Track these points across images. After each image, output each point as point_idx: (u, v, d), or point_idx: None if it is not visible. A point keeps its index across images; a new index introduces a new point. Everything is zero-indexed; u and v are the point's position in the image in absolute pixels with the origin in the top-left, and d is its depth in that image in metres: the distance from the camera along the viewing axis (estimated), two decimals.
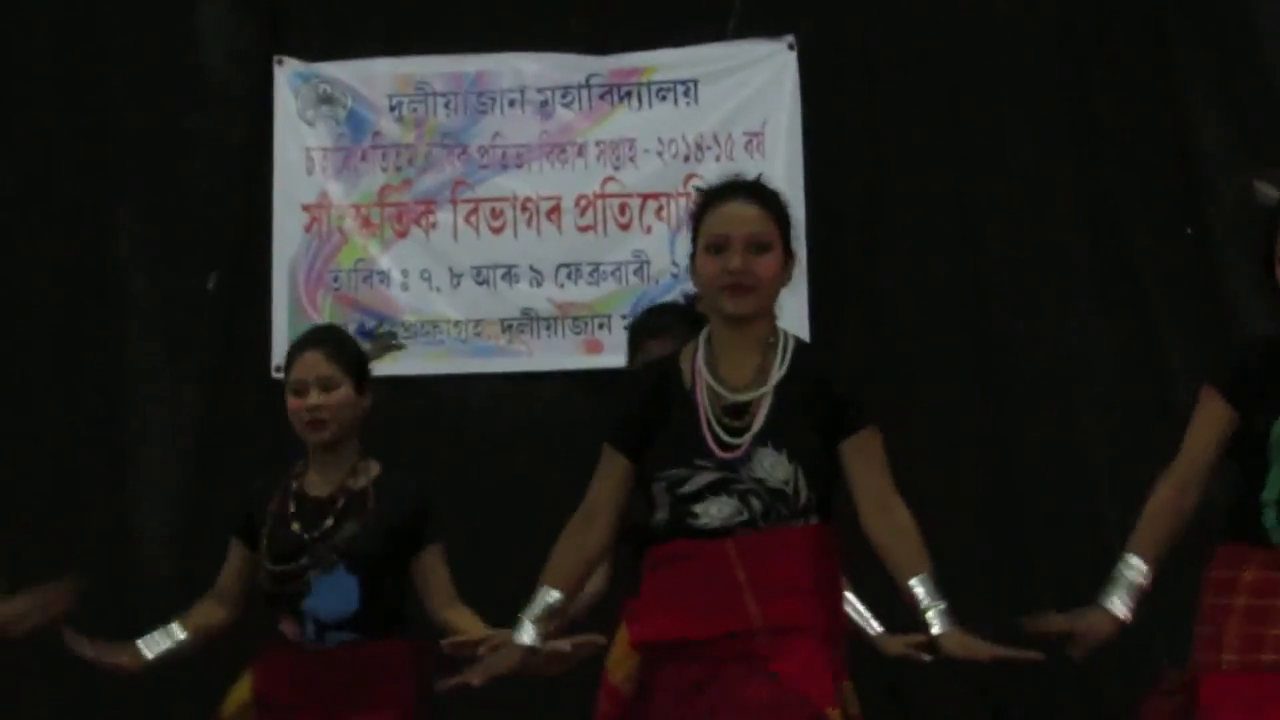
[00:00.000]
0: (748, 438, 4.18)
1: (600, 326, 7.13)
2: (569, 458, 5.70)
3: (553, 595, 4.27)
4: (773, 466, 4.17)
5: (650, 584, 4.27)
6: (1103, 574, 6.62)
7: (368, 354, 5.21)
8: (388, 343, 5.48)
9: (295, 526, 5.01)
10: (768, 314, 4.30)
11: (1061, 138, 7.15)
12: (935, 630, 4.16)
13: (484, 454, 7.03)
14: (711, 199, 4.30)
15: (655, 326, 5.27)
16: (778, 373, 4.24)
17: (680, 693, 4.17)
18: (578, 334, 7.16)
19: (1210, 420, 4.48)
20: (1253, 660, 4.29)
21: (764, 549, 4.17)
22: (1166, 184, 7.06)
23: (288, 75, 7.27)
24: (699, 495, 4.19)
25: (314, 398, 4.99)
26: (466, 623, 4.93)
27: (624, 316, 6.91)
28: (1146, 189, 7.08)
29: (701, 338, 4.32)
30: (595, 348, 7.12)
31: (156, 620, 6.61)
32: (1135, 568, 4.50)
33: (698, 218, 4.30)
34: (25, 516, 6.97)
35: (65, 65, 7.33)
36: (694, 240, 4.28)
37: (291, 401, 5.04)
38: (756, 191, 4.32)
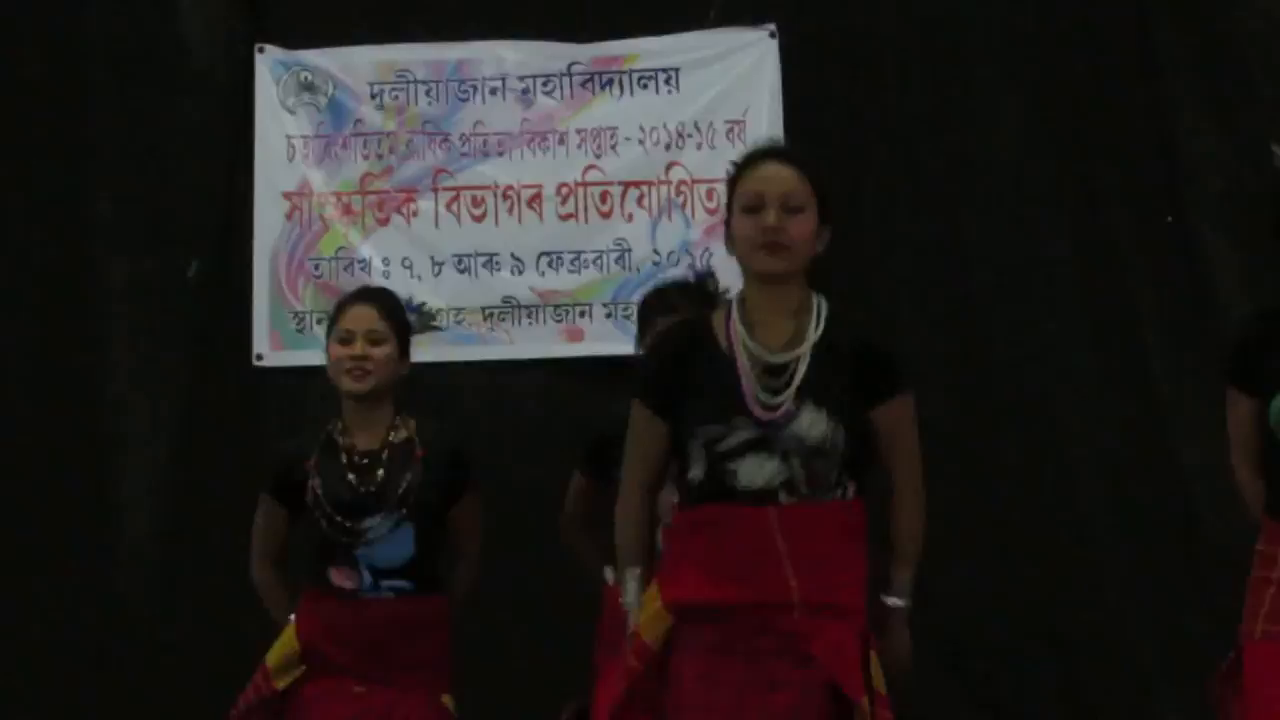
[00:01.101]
0: (789, 395, 4.20)
1: (581, 314, 7.15)
2: (550, 444, 5.98)
3: (637, 572, 4.35)
4: (811, 424, 4.20)
5: (685, 546, 4.29)
6: (1082, 561, 7.03)
7: (412, 324, 5.35)
8: (428, 321, 5.55)
9: (351, 478, 5.13)
10: (800, 277, 4.32)
11: (1043, 128, 7.17)
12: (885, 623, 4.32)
13: (470, 441, 6.69)
14: (748, 162, 4.34)
15: (665, 304, 5.35)
16: (814, 334, 4.27)
17: (713, 660, 4.20)
18: (559, 322, 7.16)
19: (1237, 420, 4.63)
20: (1276, 628, 4.39)
21: (805, 521, 4.21)
22: (1147, 174, 7.10)
23: (269, 63, 7.28)
24: (738, 452, 4.21)
25: (359, 348, 5.14)
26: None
27: (605, 305, 7.00)
28: (1127, 179, 7.11)
29: (735, 301, 4.35)
30: (576, 335, 7.14)
31: (141, 598, 7.12)
32: None
33: (733, 182, 4.33)
34: (8, 502, 7.02)
35: (47, 52, 7.36)
36: (729, 206, 4.32)
37: (335, 349, 5.18)
38: (792, 155, 4.37)
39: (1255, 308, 4.89)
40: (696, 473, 4.25)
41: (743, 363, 4.23)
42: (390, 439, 5.23)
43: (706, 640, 4.22)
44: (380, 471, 5.17)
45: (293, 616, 5.26)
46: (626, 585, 4.39)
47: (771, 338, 4.28)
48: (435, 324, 5.77)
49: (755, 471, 4.20)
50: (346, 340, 5.19)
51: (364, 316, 5.22)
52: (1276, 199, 4.68)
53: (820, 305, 4.33)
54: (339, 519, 5.13)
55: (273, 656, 5.21)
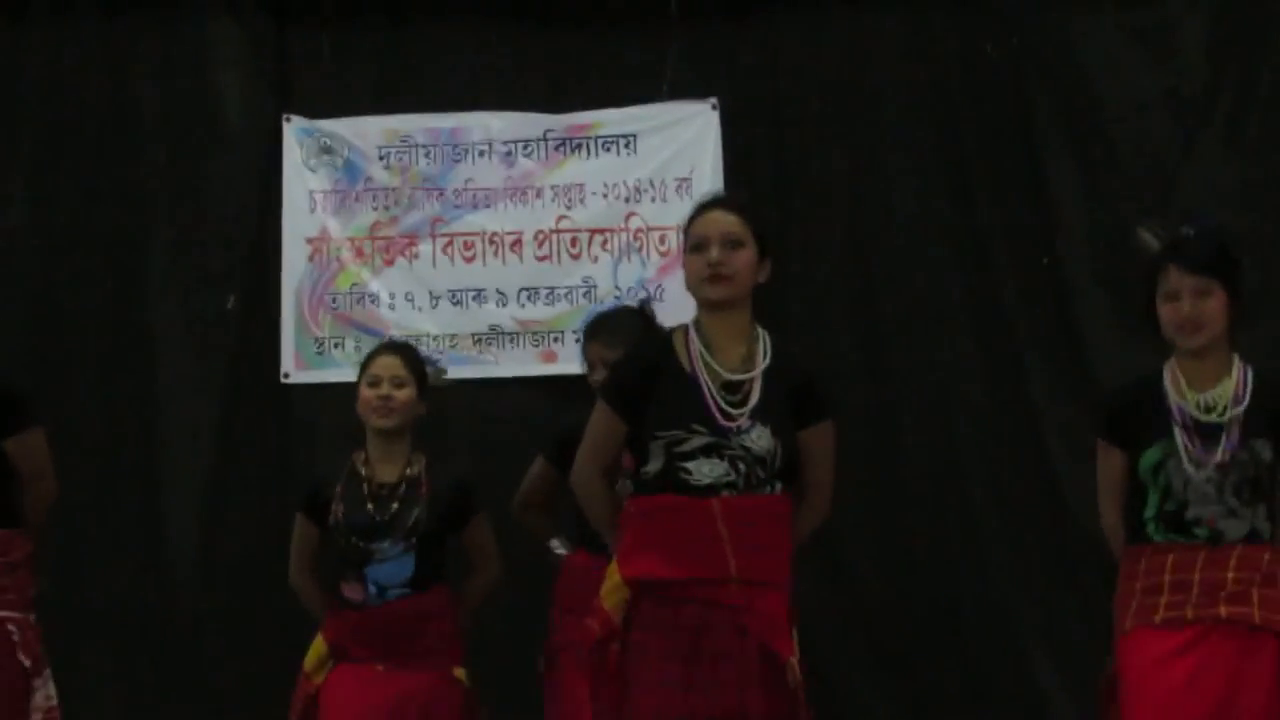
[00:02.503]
0: (746, 412, 4.36)
1: (555, 340, 7.34)
2: (530, 448, 6.04)
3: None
4: (759, 438, 4.37)
5: (641, 529, 4.41)
6: (977, 568, 7.16)
7: (429, 374, 5.60)
8: (440, 375, 5.74)
9: (370, 507, 5.38)
10: (745, 306, 4.46)
11: (938, 183, 7.35)
12: None
13: (462, 447, 7.15)
14: (695, 211, 4.55)
15: (606, 327, 5.61)
16: (764, 361, 4.42)
17: (667, 636, 4.32)
18: (536, 346, 7.36)
19: (1107, 468, 4.82)
20: (1145, 620, 4.62)
21: (743, 511, 4.36)
22: (1026, 220, 7.27)
23: (294, 130, 7.51)
24: (693, 454, 4.35)
25: (385, 389, 5.39)
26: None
27: (575, 332, 7.04)
28: (1010, 225, 7.30)
29: (691, 326, 4.47)
30: (551, 358, 7.35)
31: (183, 592, 7.30)
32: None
33: (686, 228, 4.53)
34: (68, 509, 6.82)
35: (108, 120, 7.54)
36: (685, 248, 4.51)
37: (366, 391, 5.42)
38: (732, 201, 4.59)
39: (1128, 377, 4.97)
40: (654, 467, 4.42)
41: (704, 379, 4.39)
42: (407, 474, 5.43)
43: (661, 617, 4.35)
44: (395, 504, 5.38)
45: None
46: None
47: (727, 359, 4.44)
48: (445, 380, 5.88)
49: (705, 471, 4.37)
50: (374, 384, 5.43)
51: (389, 364, 5.46)
52: (1141, 280, 4.79)
53: (765, 336, 4.51)
54: (354, 540, 5.37)
55: (308, 663, 5.47)
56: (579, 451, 4.57)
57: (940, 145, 7.36)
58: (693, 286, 4.48)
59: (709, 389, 4.37)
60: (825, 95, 7.44)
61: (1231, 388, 4.66)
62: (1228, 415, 4.63)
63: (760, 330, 4.50)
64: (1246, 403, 4.65)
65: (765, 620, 4.34)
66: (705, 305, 4.46)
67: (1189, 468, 4.59)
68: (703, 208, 4.55)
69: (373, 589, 5.34)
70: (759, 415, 4.38)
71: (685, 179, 7.38)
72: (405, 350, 5.60)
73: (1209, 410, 4.64)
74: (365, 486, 5.39)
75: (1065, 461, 7.01)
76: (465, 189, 7.50)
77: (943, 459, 7.27)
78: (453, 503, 5.45)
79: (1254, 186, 7.11)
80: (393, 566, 5.34)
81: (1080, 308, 7.19)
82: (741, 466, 4.37)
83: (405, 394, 5.43)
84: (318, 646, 5.44)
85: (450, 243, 7.48)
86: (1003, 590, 7.18)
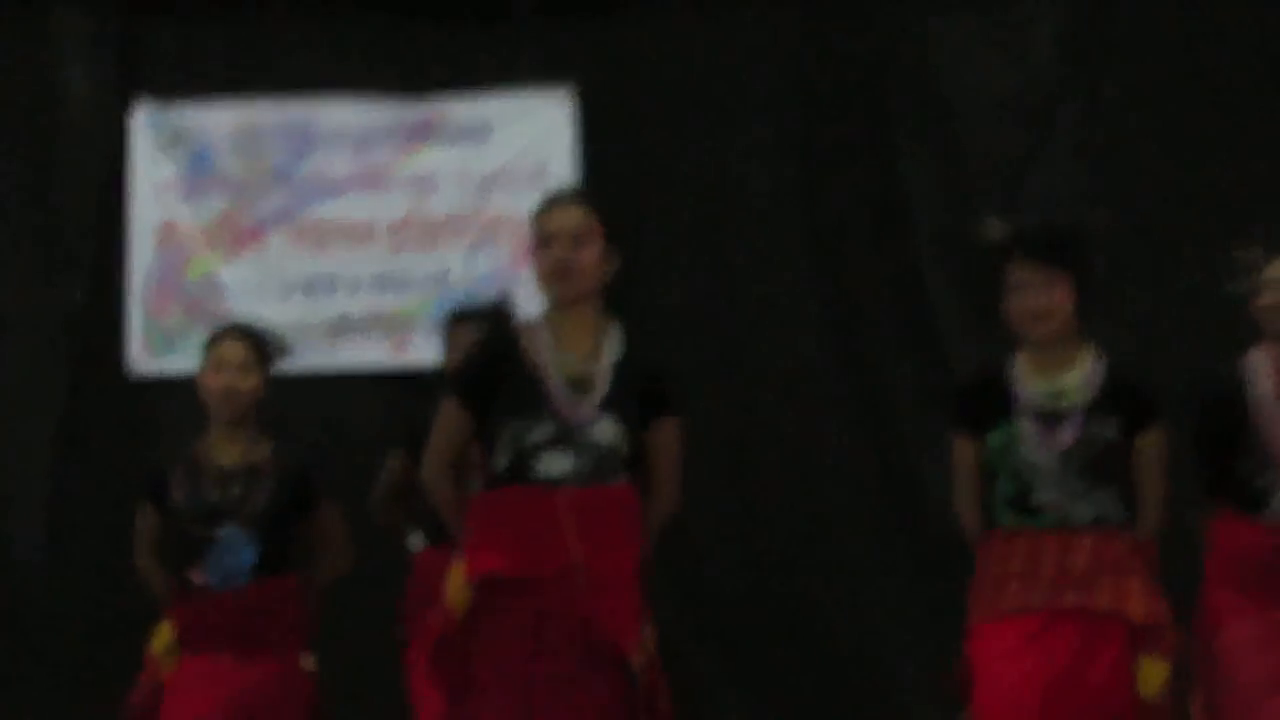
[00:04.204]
0: (593, 403, 4.36)
1: (407, 330, 7.39)
2: (382, 439, 6.11)
3: None
4: (606, 430, 4.36)
5: (486, 525, 4.38)
6: (835, 568, 7.19)
7: (270, 352, 5.44)
8: (282, 350, 5.55)
9: (209, 492, 5.25)
10: (593, 300, 4.45)
11: (793, 175, 7.43)
12: None
13: (310, 439, 6.82)
14: (542, 207, 4.51)
15: (464, 321, 5.66)
16: (611, 354, 4.42)
17: (511, 627, 4.30)
18: (388, 337, 7.42)
19: (961, 461, 4.88)
20: (994, 611, 4.69)
21: (587, 503, 4.33)
22: (878, 214, 7.39)
23: (143, 118, 7.51)
24: (540, 447, 4.33)
25: (230, 377, 5.25)
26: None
27: (428, 323, 7.06)
28: (864, 222, 7.41)
29: (540, 319, 4.46)
30: (403, 348, 7.38)
31: (26, 598, 7.26)
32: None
33: (534, 223, 4.48)
34: None
35: None
36: (533, 243, 4.48)
37: (211, 376, 5.27)
38: (577, 196, 4.56)
39: (975, 366, 5.06)
40: (501, 461, 4.38)
41: (551, 371, 4.38)
42: (250, 457, 5.29)
43: (506, 610, 4.32)
44: (237, 488, 5.24)
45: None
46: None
47: (574, 352, 4.43)
48: (288, 352, 5.67)
49: (553, 464, 4.34)
50: (219, 369, 5.27)
51: (235, 350, 5.29)
52: (989, 273, 4.82)
53: (613, 329, 4.50)
54: (196, 525, 5.22)
55: (156, 647, 5.30)
56: (428, 448, 4.56)
57: (796, 140, 7.45)
58: (540, 282, 4.50)
59: (556, 380, 4.38)
60: (682, 86, 7.51)
61: (1081, 375, 4.72)
62: (1075, 401, 4.69)
63: (610, 323, 4.51)
64: (1095, 392, 4.71)
65: (610, 614, 4.35)
66: (552, 300, 4.48)
67: (1033, 452, 4.65)
68: (549, 203, 4.55)
69: (215, 576, 5.24)
70: (606, 407, 4.39)
71: (540, 168, 7.43)
72: (251, 335, 5.45)
73: (1057, 398, 4.70)
74: (206, 471, 5.28)
75: (924, 458, 7.08)
76: (316, 178, 7.54)
77: (799, 456, 7.35)
78: (298, 487, 5.34)
79: (1098, 191, 7.19)
80: (237, 552, 5.25)
81: (935, 306, 7.30)
82: (590, 459, 4.37)
83: (252, 381, 5.33)
84: (164, 632, 5.31)
85: (300, 232, 7.52)
86: (862, 592, 7.26)
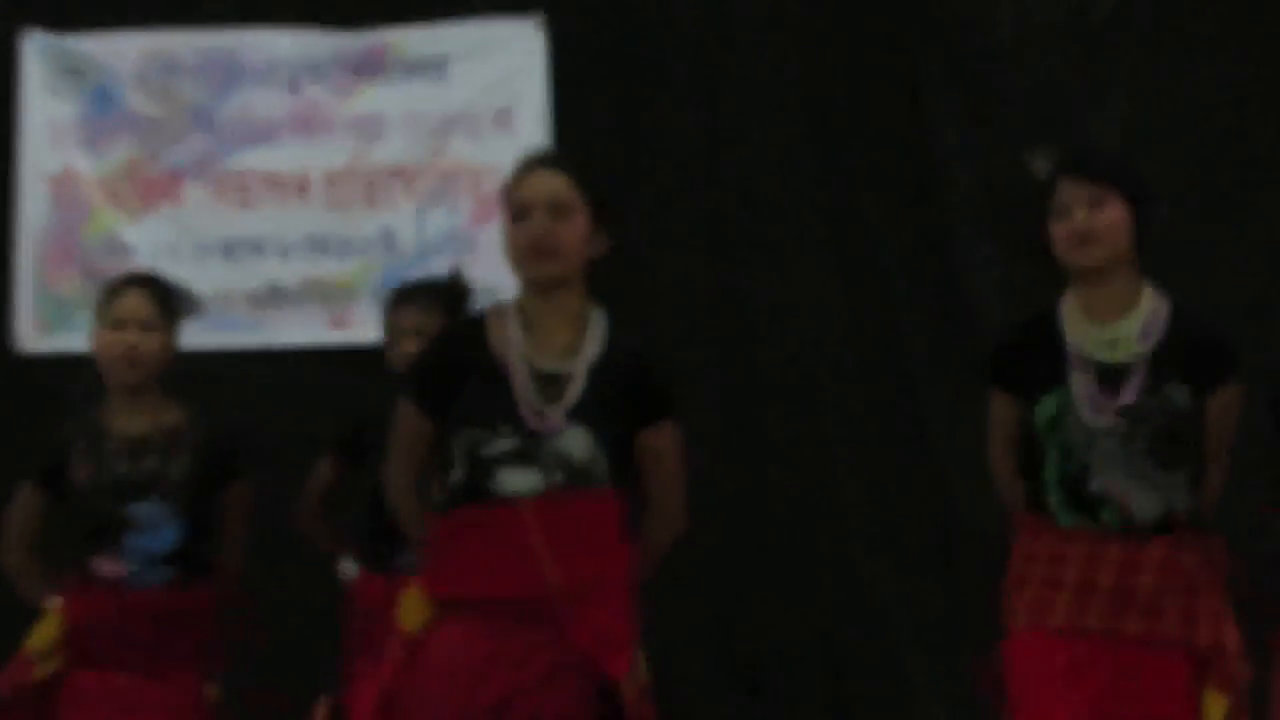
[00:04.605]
0: (561, 411, 4.22)
1: (347, 301, 7.14)
2: (316, 432, 5.80)
3: None
4: (576, 443, 4.22)
5: (445, 546, 4.29)
6: (843, 552, 7.11)
7: (180, 308, 5.26)
8: (193, 306, 5.45)
9: (118, 464, 5.08)
10: (576, 284, 4.34)
11: (804, 122, 7.18)
12: None
13: (238, 427, 6.66)
14: (518, 170, 4.37)
15: (411, 301, 5.45)
16: (592, 350, 4.29)
17: (473, 656, 4.18)
18: (325, 309, 7.17)
19: (999, 418, 4.73)
20: (1040, 621, 4.50)
21: (561, 513, 4.21)
22: (903, 169, 7.13)
23: (34, 47, 7.23)
24: (499, 461, 4.22)
25: (131, 336, 5.08)
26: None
27: (371, 293, 6.93)
28: (885, 176, 7.15)
29: (512, 306, 4.35)
30: (342, 323, 7.14)
31: None
32: None
33: (506, 192, 4.36)
34: None
35: None
36: (505, 214, 4.37)
37: (106, 336, 5.12)
38: (560, 160, 4.41)
39: (1017, 317, 4.95)
40: (458, 475, 4.26)
41: (517, 370, 4.23)
42: (161, 422, 5.19)
43: (464, 643, 4.20)
44: (151, 458, 5.13)
45: (52, 604, 5.19)
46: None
47: (548, 346, 4.29)
48: (199, 309, 5.59)
49: (517, 481, 4.20)
50: (119, 328, 5.15)
51: (136, 304, 5.18)
52: (1031, 212, 4.71)
53: (599, 319, 4.36)
54: (107, 505, 5.09)
55: (35, 642, 5.13)
56: (389, 454, 4.44)
57: (809, 81, 7.25)
58: (513, 261, 4.33)
59: (522, 381, 4.23)
60: (677, 18, 7.30)
61: (1140, 321, 4.59)
62: (1135, 353, 4.55)
63: (595, 313, 4.36)
64: (1158, 337, 4.57)
65: (595, 635, 4.20)
66: (527, 284, 4.33)
67: (1088, 415, 4.52)
68: (525, 167, 4.39)
69: (133, 563, 5.08)
70: (578, 416, 4.22)
71: (505, 111, 7.23)
72: (154, 285, 5.31)
73: (1113, 347, 4.56)
74: (113, 443, 5.13)
75: (948, 444, 6.94)
76: (242, 120, 7.30)
77: (810, 449, 7.17)
78: (225, 451, 5.23)
79: (1164, 128, 6.98)
80: (157, 534, 5.08)
81: (970, 281, 7.13)
82: (558, 476, 4.21)
83: (155, 340, 5.17)
84: (49, 628, 5.12)
85: (223, 184, 7.28)
86: (876, 595, 7.08)
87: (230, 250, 7.20)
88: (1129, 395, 4.51)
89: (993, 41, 7.17)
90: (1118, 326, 4.57)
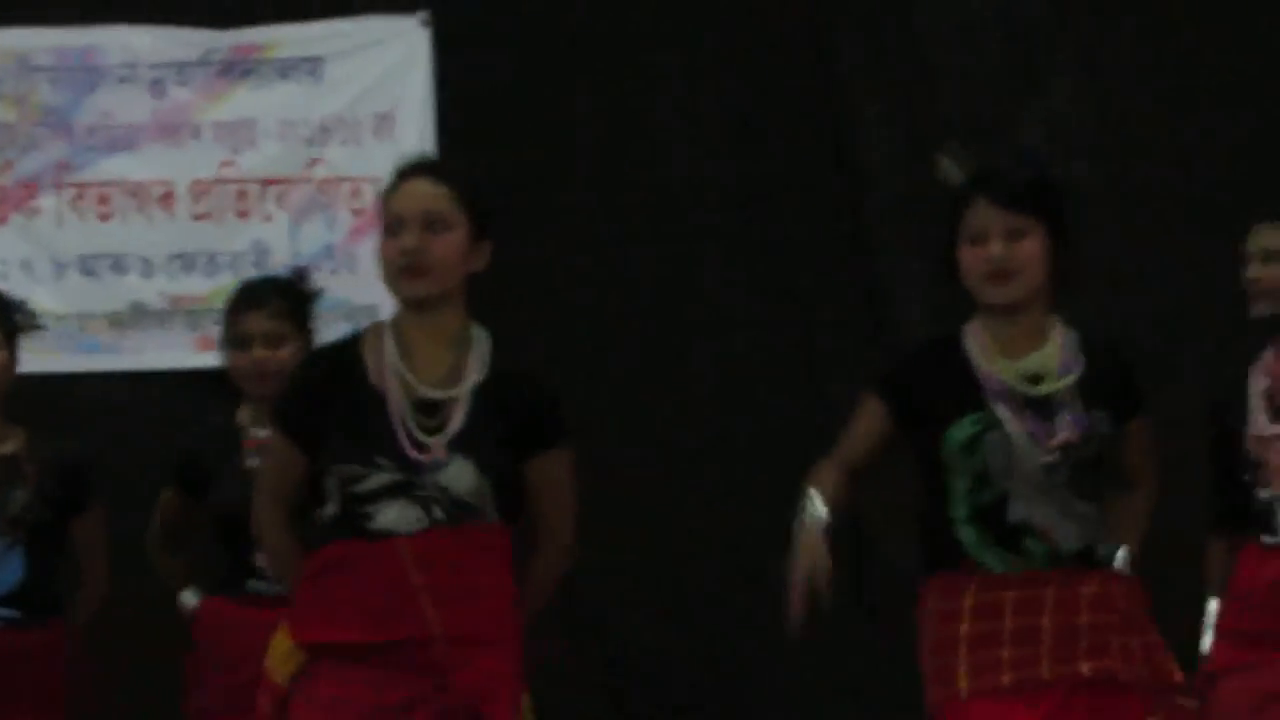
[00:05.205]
0: (441, 442, 4.13)
1: (215, 321, 6.49)
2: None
3: None
4: (459, 475, 4.14)
5: (316, 585, 4.18)
6: (757, 610, 6.62)
7: (18, 323, 5.24)
8: (30, 321, 5.39)
9: None
10: (455, 303, 4.25)
11: (716, 130, 7.21)
12: None
13: (86, 454, 6.51)
14: (393, 179, 4.29)
15: (254, 300, 5.33)
16: (475, 374, 4.20)
17: (349, 714, 4.08)
18: (191, 330, 7.11)
19: (867, 428, 4.56)
20: (989, 684, 4.36)
21: (443, 551, 4.13)
22: (825, 177, 7.14)
23: None
24: (376, 495, 4.12)
25: None
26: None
27: None
28: (805, 184, 7.12)
29: (388, 328, 4.27)
30: (210, 344, 6.55)
31: None
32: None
33: (382, 201, 4.30)
34: None
35: None
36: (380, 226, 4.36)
37: None
38: (438, 168, 4.33)
39: (929, 335, 4.85)
40: (331, 510, 4.14)
41: (394, 397, 4.14)
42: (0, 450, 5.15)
43: (342, 669, 4.10)
44: None
45: None
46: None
47: (427, 370, 4.19)
48: (38, 324, 5.53)
49: (395, 517, 4.11)
50: None
51: None
52: (946, 215, 4.53)
53: (482, 340, 4.26)
54: None
55: None
56: (256, 488, 4.37)
57: (719, 80, 7.28)
58: (386, 279, 4.25)
59: (398, 410, 4.13)
60: (575, 10, 7.28)
61: (1055, 355, 4.45)
62: (1057, 386, 4.42)
63: (478, 334, 4.26)
64: (1078, 370, 4.46)
65: (479, 682, 4.09)
66: (403, 303, 4.25)
67: (1027, 450, 4.35)
68: (401, 175, 4.30)
69: None
70: (460, 446, 4.13)
71: (386, 116, 7.20)
72: None
73: (1035, 381, 4.42)
74: None
75: (862, 478, 6.59)
76: (100, 125, 7.23)
77: (719, 473, 7.18)
78: (68, 481, 5.18)
79: (1109, 130, 7.15)
80: None
81: (890, 283, 7.14)
82: (438, 511, 4.11)
83: None
84: None
85: (80, 195, 7.20)
86: (788, 637, 6.30)
87: (89, 266, 7.15)
88: (1067, 429, 4.39)
89: (912, 44, 7.21)
90: (1031, 360, 4.45)
